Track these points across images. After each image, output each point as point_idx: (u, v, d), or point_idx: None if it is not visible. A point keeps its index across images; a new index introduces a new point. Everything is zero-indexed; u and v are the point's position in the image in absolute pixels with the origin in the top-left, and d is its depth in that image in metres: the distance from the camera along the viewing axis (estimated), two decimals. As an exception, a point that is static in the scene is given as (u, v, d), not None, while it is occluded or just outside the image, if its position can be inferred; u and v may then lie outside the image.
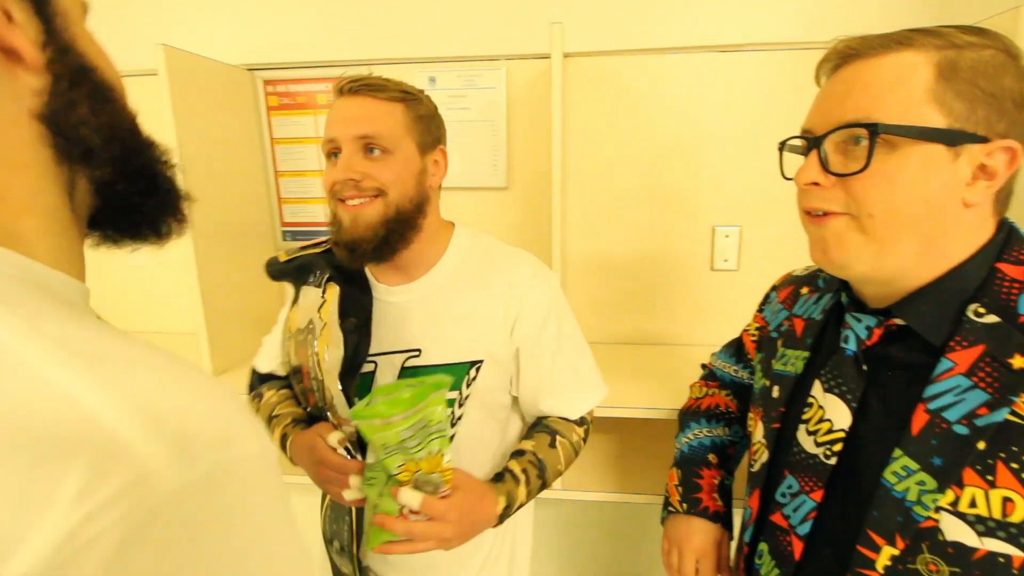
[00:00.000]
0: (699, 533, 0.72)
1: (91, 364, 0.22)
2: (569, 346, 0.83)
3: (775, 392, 0.64)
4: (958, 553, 0.45)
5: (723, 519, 0.73)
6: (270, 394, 0.88)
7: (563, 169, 1.21)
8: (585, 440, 0.85)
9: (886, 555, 0.48)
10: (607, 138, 1.32)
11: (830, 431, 0.55)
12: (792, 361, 0.64)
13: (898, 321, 0.52)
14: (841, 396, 0.55)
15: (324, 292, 0.79)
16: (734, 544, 0.72)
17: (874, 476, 0.50)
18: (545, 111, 1.23)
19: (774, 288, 0.76)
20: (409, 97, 0.75)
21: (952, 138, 0.46)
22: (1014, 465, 0.43)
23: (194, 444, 0.22)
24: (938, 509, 0.46)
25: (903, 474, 0.48)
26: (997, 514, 0.43)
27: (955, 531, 0.45)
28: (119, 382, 0.22)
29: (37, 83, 0.26)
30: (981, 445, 0.44)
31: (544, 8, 1.26)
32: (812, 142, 0.53)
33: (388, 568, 0.84)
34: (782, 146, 0.59)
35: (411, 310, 0.79)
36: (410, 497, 0.64)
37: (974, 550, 0.44)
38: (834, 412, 0.55)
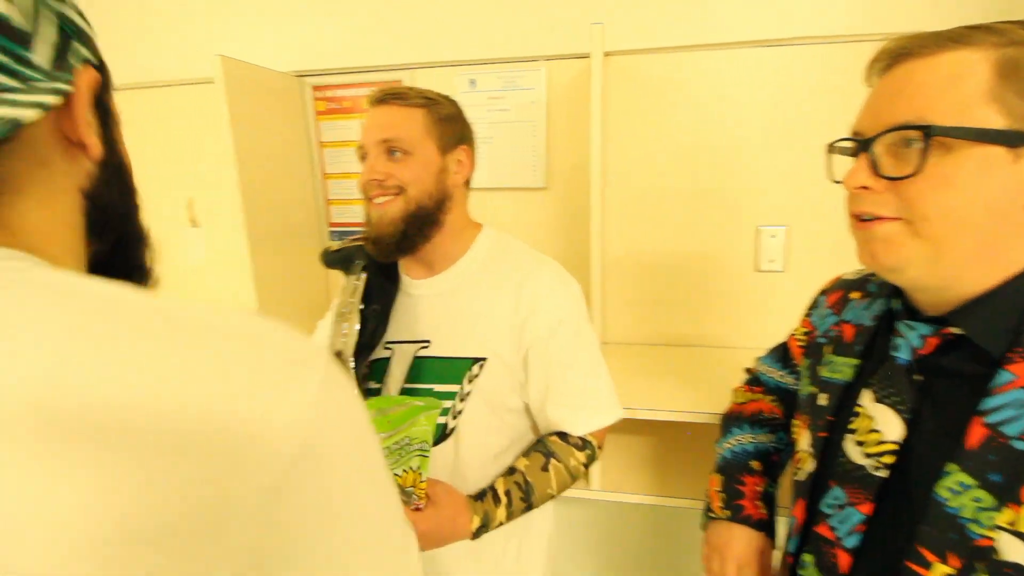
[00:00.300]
0: (741, 540, 0.71)
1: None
2: (582, 360, 0.82)
3: (822, 400, 0.63)
4: (1016, 575, 0.43)
5: (766, 527, 0.72)
6: None
7: (602, 168, 1.21)
8: (587, 466, 0.83)
9: (938, 573, 0.46)
10: (647, 137, 1.31)
11: (880, 443, 0.53)
12: (840, 368, 0.62)
13: (954, 330, 0.50)
14: (893, 407, 0.53)
15: (358, 278, 0.85)
16: (777, 554, 0.71)
17: (925, 490, 0.48)
18: (584, 111, 1.23)
19: (823, 292, 0.74)
20: (430, 102, 0.80)
21: (1013, 139, 0.44)
22: None
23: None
24: (995, 528, 0.44)
25: (957, 489, 0.46)
26: (1061, 535, 0.41)
27: (1014, 551, 0.43)
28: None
29: (91, 168, 0.34)
30: None
31: (584, 7, 1.26)
32: (862, 144, 0.51)
33: None
34: (830, 148, 0.58)
35: (428, 303, 0.84)
36: None
37: None
38: (885, 423, 0.53)
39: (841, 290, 0.70)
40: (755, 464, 0.75)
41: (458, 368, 0.80)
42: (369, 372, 0.86)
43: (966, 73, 0.45)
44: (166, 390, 0.24)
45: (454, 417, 0.81)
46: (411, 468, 0.70)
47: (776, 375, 0.82)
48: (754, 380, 0.87)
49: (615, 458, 1.24)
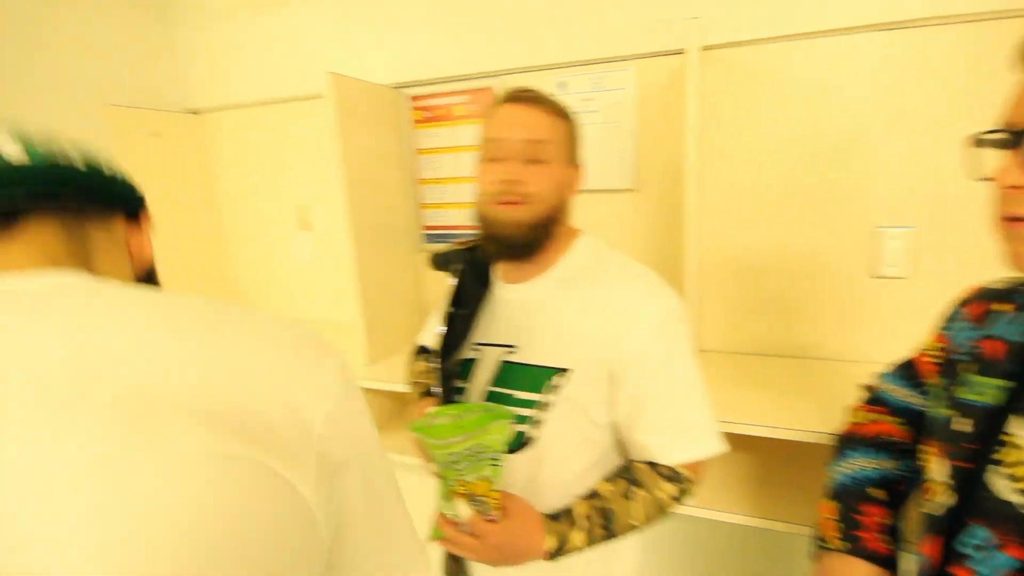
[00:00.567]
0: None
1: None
2: (677, 384, 0.76)
3: (962, 425, 0.56)
4: None
5: (889, 563, 0.65)
6: (419, 364, 0.99)
7: (698, 167, 1.16)
8: (679, 500, 0.76)
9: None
10: (747, 132, 1.23)
11: (1038, 478, 0.46)
12: (985, 390, 0.55)
13: None
14: (1055, 438, 0.46)
15: (453, 280, 0.86)
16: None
17: None
18: (677, 108, 1.19)
19: (961, 303, 0.66)
20: (569, 114, 0.80)
21: None
22: None
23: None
24: None
25: None
26: None
27: None
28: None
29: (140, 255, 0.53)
30: None
31: (675, 2, 1.21)
32: (1015, 137, 0.45)
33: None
34: (975, 142, 0.51)
35: (518, 308, 0.83)
36: (461, 510, 0.70)
37: None
38: (1044, 456, 0.46)
39: (984, 301, 0.62)
40: (877, 492, 0.68)
41: (541, 376, 0.78)
42: (457, 371, 0.85)
43: None
44: (233, 376, 0.37)
45: (534, 427, 0.78)
46: (484, 476, 0.69)
47: (902, 394, 0.74)
48: (875, 399, 0.78)
49: (708, 472, 1.18)
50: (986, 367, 0.56)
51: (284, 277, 1.87)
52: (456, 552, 0.74)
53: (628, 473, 0.76)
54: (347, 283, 1.38)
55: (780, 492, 1.11)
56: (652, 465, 0.76)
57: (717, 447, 0.77)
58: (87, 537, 0.29)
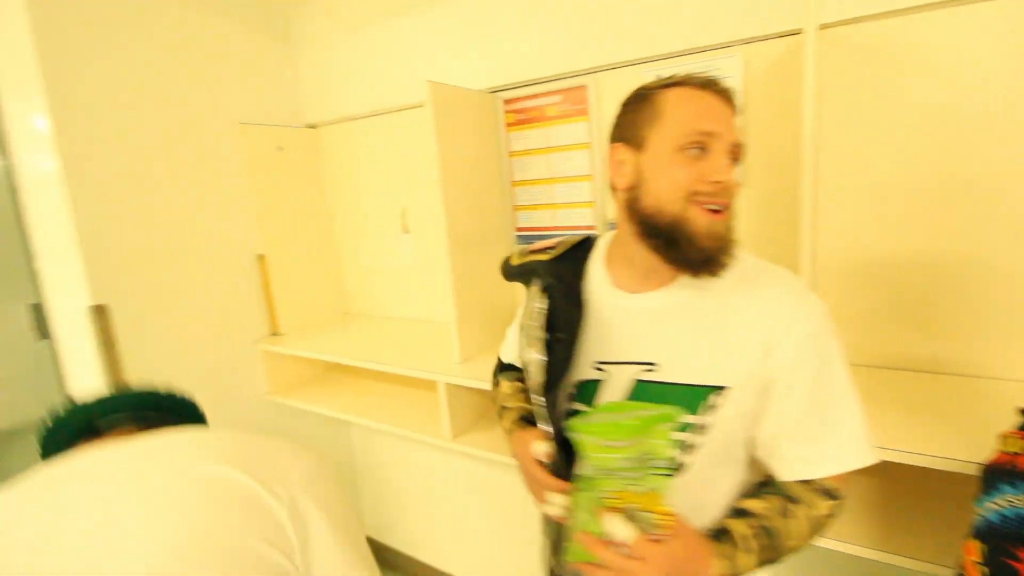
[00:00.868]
0: None
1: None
2: (836, 386, 0.69)
3: None
4: None
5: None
6: (505, 384, 0.96)
7: (815, 160, 1.05)
8: (833, 517, 0.69)
9: None
10: (873, 119, 1.10)
11: None
12: None
13: None
14: None
15: (541, 303, 0.79)
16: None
17: None
18: (790, 95, 1.08)
19: None
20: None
21: None
22: None
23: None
24: None
25: None
26: None
27: None
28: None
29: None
30: None
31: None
32: None
33: None
34: None
35: (649, 319, 0.73)
36: (621, 529, 0.59)
37: None
38: None
39: None
40: (1036, 536, 0.58)
41: (694, 396, 0.69)
42: (575, 394, 0.77)
43: None
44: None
45: (686, 452, 0.70)
46: (652, 488, 0.60)
47: (1073, 422, 0.62)
48: (1035, 425, 0.66)
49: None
50: None
51: (387, 278, 1.98)
52: None
53: (777, 489, 0.70)
54: (443, 284, 1.43)
55: (908, 525, 0.98)
56: (805, 481, 0.70)
57: (873, 455, 0.69)
58: None
